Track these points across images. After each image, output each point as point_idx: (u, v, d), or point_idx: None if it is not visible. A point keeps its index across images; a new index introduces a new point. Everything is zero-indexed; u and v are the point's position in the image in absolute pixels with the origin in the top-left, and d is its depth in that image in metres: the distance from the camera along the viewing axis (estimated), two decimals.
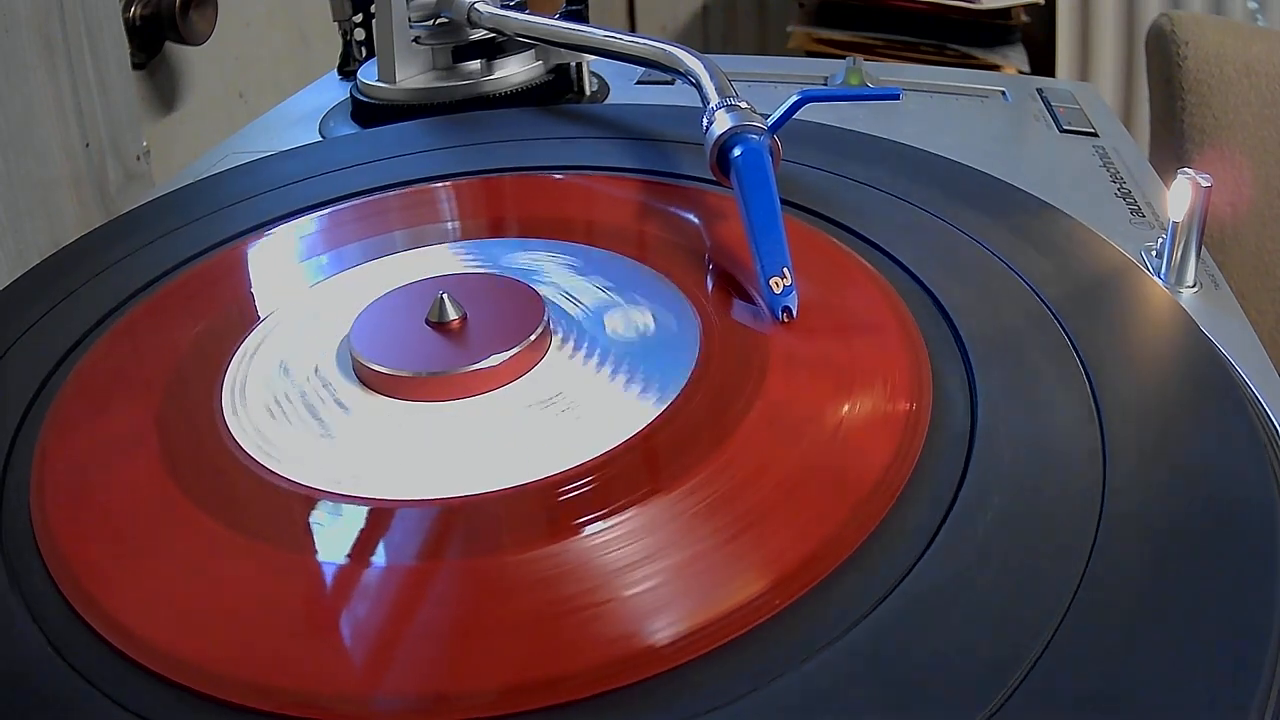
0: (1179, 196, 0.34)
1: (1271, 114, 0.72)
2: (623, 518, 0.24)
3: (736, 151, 0.35)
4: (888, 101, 0.47)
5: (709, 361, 0.29)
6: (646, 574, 0.22)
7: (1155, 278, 0.35)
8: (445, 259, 0.36)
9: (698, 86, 0.40)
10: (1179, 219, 0.34)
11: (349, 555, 0.24)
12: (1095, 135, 0.48)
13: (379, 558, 0.24)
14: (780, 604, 0.22)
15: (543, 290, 0.32)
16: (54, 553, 0.25)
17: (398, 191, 0.41)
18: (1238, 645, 0.20)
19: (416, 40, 0.52)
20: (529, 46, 0.52)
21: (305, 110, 0.56)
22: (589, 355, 0.30)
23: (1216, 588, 0.22)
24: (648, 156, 0.43)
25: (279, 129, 0.54)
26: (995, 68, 1.14)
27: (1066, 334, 0.30)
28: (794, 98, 0.38)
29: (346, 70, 0.61)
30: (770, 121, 0.37)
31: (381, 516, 0.25)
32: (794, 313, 0.31)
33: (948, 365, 0.29)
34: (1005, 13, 1.17)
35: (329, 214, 0.40)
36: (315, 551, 0.24)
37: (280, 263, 0.37)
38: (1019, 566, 0.22)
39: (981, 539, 0.23)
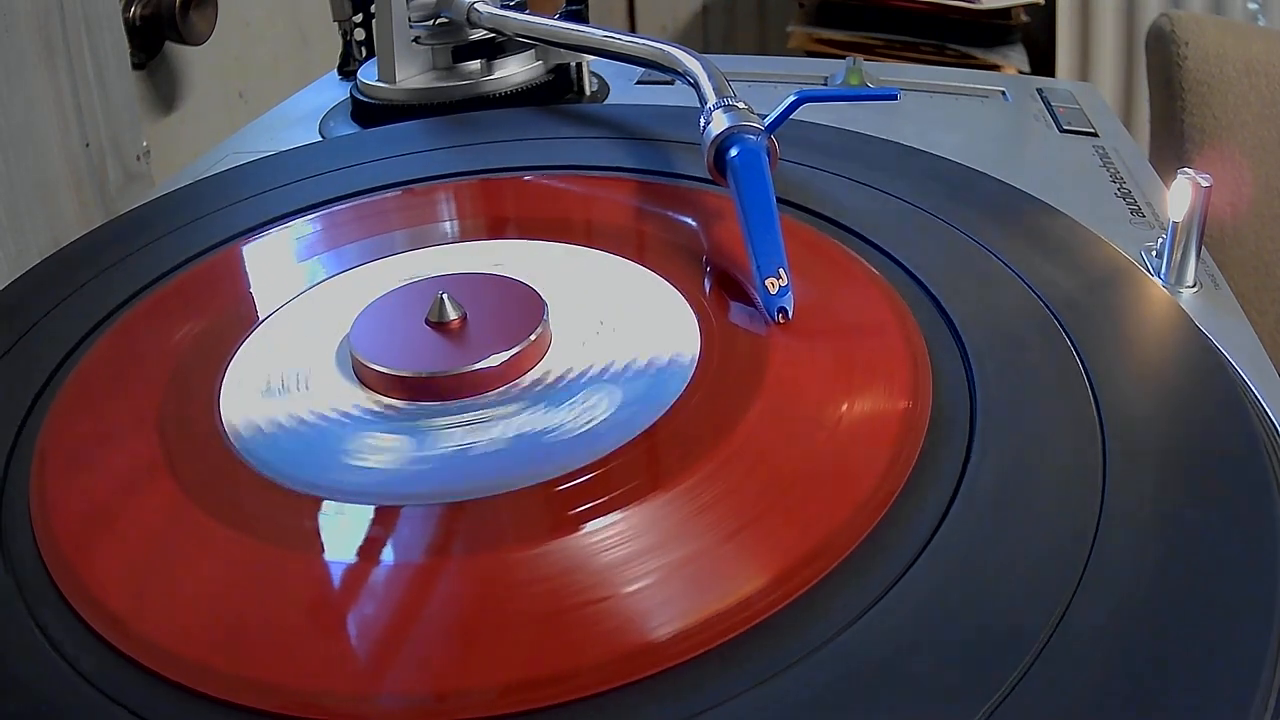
0: (1179, 196, 0.34)
1: (1271, 114, 0.72)
2: (623, 515, 0.24)
3: (733, 152, 0.35)
4: (886, 101, 0.47)
5: (708, 362, 0.29)
6: (647, 572, 0.23)
7: (1155, 278, 0.35)
8: (444, 259, 0.36)
9: (696, 87, 0.40)
10: (1179, 219, 0.34)
11: (351, 554, 0.24)
12: (1095, 135, 0.48)
13: (380, 557, 0.24)
14: (780, 602, 0.22)
15: (542, 290, 0.32)
16: (54, 553, 0.25)
17: (397, 192, 0.41)
18: (1238, 645, 0.20)
19: (416, 40, 0.52)
20: (529, 46, 0.52)
21: (305, 110, 0.56)
22: (587, 356, 0.30)
23: (1216, 587, 0.22)
24: (647, 157, 0.43)
25: (279, 129, 0.54)
26: (995, 68, 1.14)
27: (1066, 334, 0.30)
28: (791, 98, 0.38)
29: (346, 70, 0.61)
30: (767, 122, 0.37)
31: (383, 516, 0.25)
32: (790, 313, 0.31)
33: (948, 365, 0.29)
34: (1005, 13, 1.17)
35: (329, 214, 0.40)
36: (317, 550, 0.24)
37: (280, 263, 0.37)
38: (1018, 567, 0.22)
39: (980, 538, 0.23)
